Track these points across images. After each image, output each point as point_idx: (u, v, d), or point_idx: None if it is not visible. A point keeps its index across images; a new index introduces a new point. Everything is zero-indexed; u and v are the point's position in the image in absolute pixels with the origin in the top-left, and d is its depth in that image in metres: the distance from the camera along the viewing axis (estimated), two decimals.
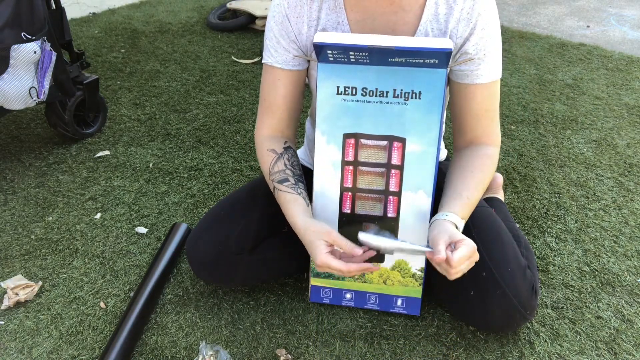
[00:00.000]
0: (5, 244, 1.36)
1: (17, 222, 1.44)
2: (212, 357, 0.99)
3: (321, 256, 0.90)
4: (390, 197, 0.99)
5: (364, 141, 0.96)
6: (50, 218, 1.46)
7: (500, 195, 1.40)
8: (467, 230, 1.03)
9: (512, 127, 1.87)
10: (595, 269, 1.24)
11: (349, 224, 1.03)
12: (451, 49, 0.83)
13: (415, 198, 0.98)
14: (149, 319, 1.13)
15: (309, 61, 1.03)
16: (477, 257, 0.87)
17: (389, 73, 0.91)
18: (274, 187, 1.01)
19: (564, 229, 1.38)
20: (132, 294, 1.20)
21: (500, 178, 1.44)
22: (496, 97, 1.00)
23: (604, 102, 2.03)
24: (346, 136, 0.96)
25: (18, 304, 1.18)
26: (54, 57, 1.55)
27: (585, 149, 1.73)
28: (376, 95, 0.93)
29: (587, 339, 1.07)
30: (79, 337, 1.10)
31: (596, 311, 1.13)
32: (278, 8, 0.98)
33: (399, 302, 1.09)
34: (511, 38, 2.70)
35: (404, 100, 0.92)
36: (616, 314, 1.13)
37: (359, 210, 1.01)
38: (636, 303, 1.15)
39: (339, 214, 1.03)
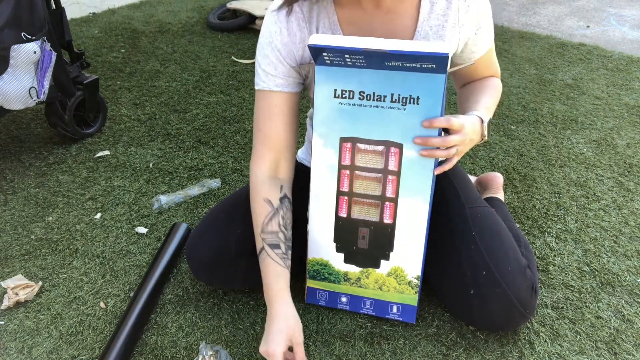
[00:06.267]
0: (5, 244, 1.36)
1: (17, 222, 1.44)
2: (212, 357, 0.99)
3: (275, 346, 0.90)
4: (387, 203, 0.98)
5: (360, 145, 0.95)
6: (50, 218, 1.46)
7: (500, 195, 1.40)
8: (468, 230, 1.03)
9: (512, 127, 1.87)
10: (595, 269, 1.24)
11: (345, 228, 1.03)
12: (447, 54, 0.80)
13: (412, 205, 0.97)
14: (149, 319, 1.13)
15: (306, 77, 1.01)
16: (464, 139, 0.90)
17: (386, 77, 0.89)
18: (263, 247, 0.98)
19: (564, 229, 1.38)
20: (132, 294, 1.20)
21: (500, 178, 1.44)
22: (493, 52, 1.06)
23: (604, 102, 2.03)
24: (343, 140, 0.95)
25: (18, 304, 1.18)
26: (54, 57, 1.55)
27: (585, 149, 1.73)
28: (373, 100, 0.91)
29: (587, 339, 1.07)
30: (79, 337, 1.10)
31: (596, 311, 1.13)
32: (275, 36, 0.94)
33: (395, 308, 1.08)
34: (511, 38, 2.70)
35: (402, 105, 0.90)
36: (616, 314, 1.13)
37: (355, 214, 1.01)
38: (636, 303, 1.15)
39: (335, 218, 1.02)
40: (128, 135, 1.86)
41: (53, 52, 1.54)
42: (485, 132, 0.96)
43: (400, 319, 1.09)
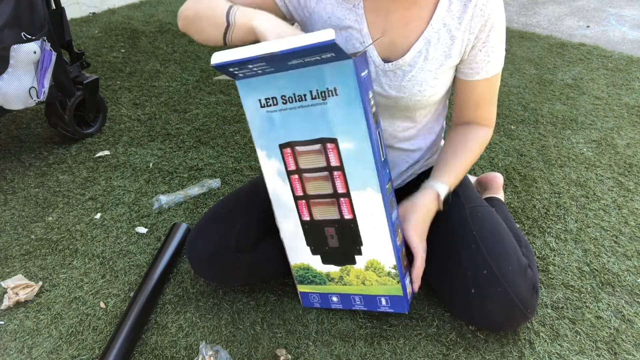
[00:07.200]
0: (5, 244, 1.36)
1: (17, 222, 1.44)
2: (212, 357, 0.99)
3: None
4: (342, 199, 0.97)
5: (299, 148, 0.94)
6: (50, 218, 1.46)
7: (500, 195, 1.40)
8: (468, 229, 1.03)
9: (512, 127, 1.87)
10: (595, 269, 1.24)
11: (312, 231, 1.02)
12: (331, 41, 0.76)
13: (364, 196, 0.95)
14: (149, 319, 1.13)
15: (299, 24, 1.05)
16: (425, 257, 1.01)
17: (300, 76, 0.88)
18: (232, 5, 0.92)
19: (564, 229, 1.38)
20: (132, 294, 1.20)
21: (500, 178, 1.44)
22: (496, 86, 1.05)
23: (604, 102, 2.03)
24: (282, 147, 0.95)
25: (18, 304, 1.18)
26: (53, 57, 1.55)
27: (585, 149, 1.73)
28: (296, 101, 0.90)
29: (587, 339, 1.07)
30: (79, 337, 1.10)
31: (596, 311, 1.13)
32: None
33: (383, 301, 1.07)
34: (511, 38, 2.70)
35: (322, 100, 0.88)
36: (616, 314, 1.13)
37: (317, 216, 1.00)
38: (636, 303, 1.15)
39: (300, 223, 1.02)
40: (128, 135, 1.86)
41: (53, 52, 1.54)
42: (441, 205, 1.03)
43: (392, 310, 1.07)
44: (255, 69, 0.86)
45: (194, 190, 1.55)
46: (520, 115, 1.95)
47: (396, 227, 0.99)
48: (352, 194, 0.95)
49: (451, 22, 0.96)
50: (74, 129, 1.77)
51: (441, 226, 1.06)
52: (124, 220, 1.44)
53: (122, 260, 1.30)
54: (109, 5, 3.21)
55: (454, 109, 1.11)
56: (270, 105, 0.92)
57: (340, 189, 0.96)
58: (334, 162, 0.93)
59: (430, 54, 0.97)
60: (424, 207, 1.01)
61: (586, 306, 1.15)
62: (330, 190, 0.97)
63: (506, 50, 2.54)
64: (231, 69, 0.86)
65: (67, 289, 1.22)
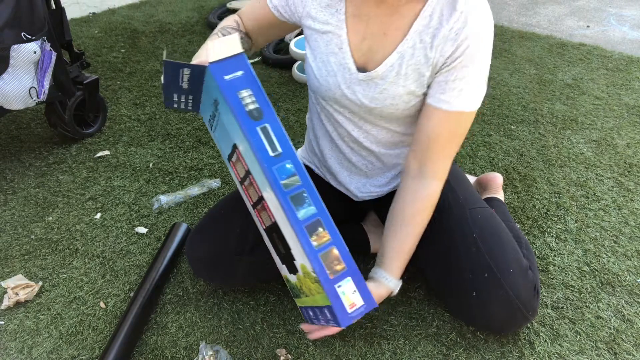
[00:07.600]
0: (5, 244, 1.36)
1: (17, 222, 1.44)
2: (212, 357, 0.99)
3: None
4: (264, 202, 0.93)
5: (232, 158, 0.97)
6: (50, 218, 1.46)
7: (500, 195, 1.40)
8: (468, 232, 1.02)
9: (512, 127, 1.87)
10: (595, 269, 1.24)
11: (269, 237, 0.99)
12: (165, 62, 0.84)
13: (270, 198, 0.89)
14: (149, 319, 1.13)
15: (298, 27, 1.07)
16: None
17: (203, 95, 0.94)
18: (216, 33, 1.02)
19: (564, 229, 1.38)
20: (132, 294, 1.20)
21: (500, 178, 1.44)
22: (456, 129, 0.93)
23: (604, 102, 2.03)
24: (228, 158, 0.99)
25: (18, 304, 1.18)
26: (53, 57, 1.55)
27: (585, 149, 1.73)
28: (214, 115, 0.95)
29: (587, 339, 1.07)
30: (79, 337, 1.10)
31: (596, 311, 1.13)
32: None
33: (327, 313, 0.90)
34: (511, 38, 2.70)
35: (216, 109, 0.92)
36: (616, 314, 1.13)
37: (265, 222, 0.97)
38: (636, 303, 1.15)
39: (263, 230, 1.01)
40: (128, 135, 1.86)
41: (53, 52, 1.54)
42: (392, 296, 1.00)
43: (334, 324, 0.89)
44: (182, 99, 0.94)
45: (194, 190, 1.55)
46: (520, 115, 1.95)
47: (312, 225, 0.87)
48: (264, 196, 0.91)
49: (427, 40, 0.90)
50: (74, 129, 1.77)
51: (441, 228, 1.06)
52: (124, 220, 1.44)
53: (122, 260, 1.30)
54: (109, 5, 3.21)
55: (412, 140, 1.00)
56: (211, 125, 0.99)
57: (260, 193, 0.93)
58: (246, 167, 0.92)
59: (403, 70, 0.92)
60: (378, 300, 0.98)
61: (586, 306, 1.15)
62: (257, 195, 0.94)
63: (506, 50, 2.54)
64: (176, 106, 0.95)
65: (67, 289, 1.22)
